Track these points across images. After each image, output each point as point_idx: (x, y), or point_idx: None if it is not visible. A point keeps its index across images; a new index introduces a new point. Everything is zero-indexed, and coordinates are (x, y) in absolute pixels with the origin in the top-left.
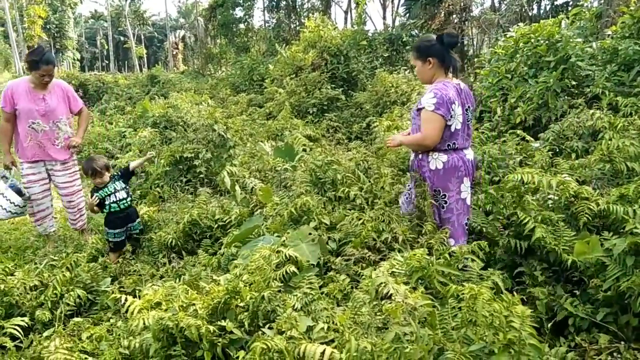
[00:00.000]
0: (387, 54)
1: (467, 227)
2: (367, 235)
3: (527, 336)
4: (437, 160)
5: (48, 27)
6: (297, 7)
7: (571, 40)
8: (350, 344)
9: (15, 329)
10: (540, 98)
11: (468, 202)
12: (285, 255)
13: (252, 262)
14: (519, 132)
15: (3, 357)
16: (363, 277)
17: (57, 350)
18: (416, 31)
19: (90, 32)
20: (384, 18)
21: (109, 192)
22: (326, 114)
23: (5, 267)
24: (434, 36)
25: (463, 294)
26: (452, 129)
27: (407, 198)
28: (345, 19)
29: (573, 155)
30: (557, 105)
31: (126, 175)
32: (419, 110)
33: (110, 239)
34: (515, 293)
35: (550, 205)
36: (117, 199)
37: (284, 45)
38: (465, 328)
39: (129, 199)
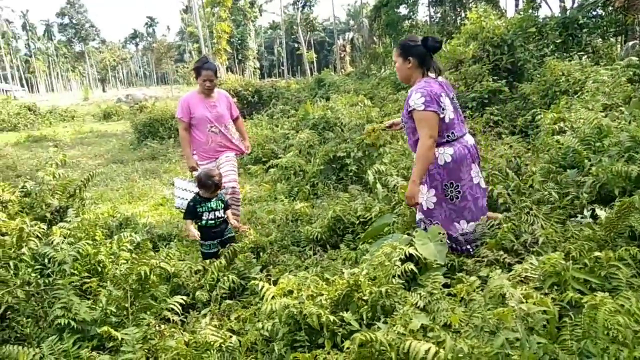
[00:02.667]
0: (560, 39)
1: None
2: (504, 236)
3: None
4: (445, 155)
5: (232, 40)
6: None
7: None
8: (446, 343)
9: (175, 305)
10: None
11: (482, 185)
12: (406, 254)
13: (375, 258)
14: None
15: (168, 328)
16: (491, 279)
17: (207, 326)
18: (599, 10)
19: (268, 41)
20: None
21: (208, 209)
22: (487, 108)
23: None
24: (420, 38)
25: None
26: (447, 120)
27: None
28: (517, 4)
29: None
30: None
31: (225, 208)
32: (409, 112)
33: (203, 250)
34: None
35: None
36: (215, 216)
37: (446, 39)
38: (586, 340)
39: (225, 216)
